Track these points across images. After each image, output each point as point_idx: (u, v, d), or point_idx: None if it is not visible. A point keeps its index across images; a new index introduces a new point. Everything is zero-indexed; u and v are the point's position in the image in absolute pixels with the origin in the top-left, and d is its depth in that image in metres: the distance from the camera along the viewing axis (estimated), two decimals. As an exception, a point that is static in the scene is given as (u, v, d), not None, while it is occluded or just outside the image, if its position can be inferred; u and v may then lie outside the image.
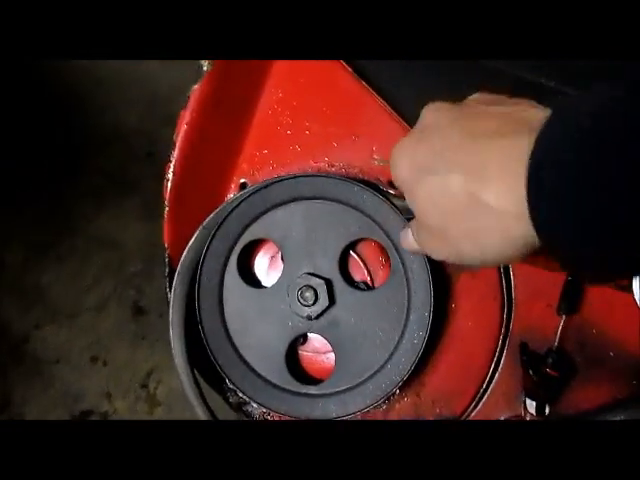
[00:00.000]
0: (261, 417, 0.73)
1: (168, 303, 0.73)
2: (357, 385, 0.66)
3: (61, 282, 2.00)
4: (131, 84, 2.15)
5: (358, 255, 0.70)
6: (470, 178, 0.38)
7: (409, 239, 0.52)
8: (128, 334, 1.83)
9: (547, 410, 0.65)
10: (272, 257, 0.72)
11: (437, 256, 0.47)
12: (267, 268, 0.72)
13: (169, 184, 0.72)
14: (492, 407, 0.68)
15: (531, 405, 0.65)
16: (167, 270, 0.73)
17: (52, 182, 2.14)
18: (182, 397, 1.83)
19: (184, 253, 0.69)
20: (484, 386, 0.68)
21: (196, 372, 0.72)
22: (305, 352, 0.71)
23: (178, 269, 0.69)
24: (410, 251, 0.58)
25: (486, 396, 0.68)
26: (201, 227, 0.69)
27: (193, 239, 0.70)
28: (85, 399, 1.79)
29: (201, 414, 0.71)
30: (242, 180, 0.74)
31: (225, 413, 0.76)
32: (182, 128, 0.71)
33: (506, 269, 0.67)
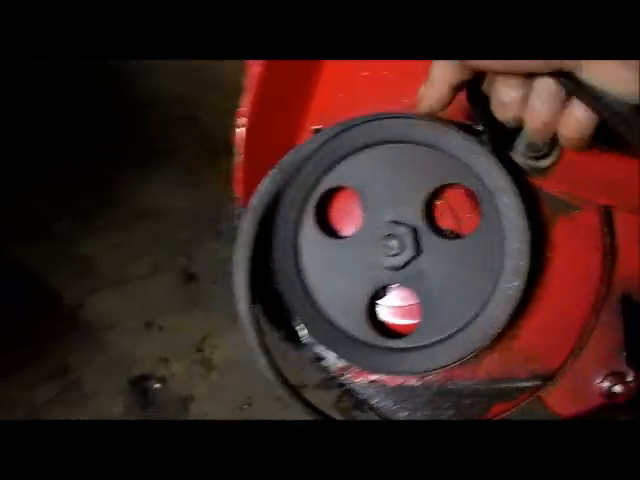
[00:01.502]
0: (339, 372, 0.70)
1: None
2: (446, 338, 0.62)
3: (109, 251, 2.01)
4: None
5: (444, 202, 0.65)
6: None
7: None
8: (180, 300, 1.83)
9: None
10: (351, 206, 0.68)
11: None
12: (346, 218, 0.69)
13: (240, 131, 0.68)
14: (591, 363, 0.63)
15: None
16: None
17: (95, 151, 2.15)
18: (239, 363, 1.82)
19: (255, 195, 0.65)
20: (582, 340, 0.63)
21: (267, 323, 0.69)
22: (387, 305, 0.67)
23: (248, 210, 0.65)
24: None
25: (584, 351, 0.63)
26: (276, 168, 0.65)
27: (266, 181, 0.66)
28: (141, 364, 1.80)
29: (264, 365, 0.67)
30: (315, 127, 0.70)
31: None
32: (252, 71, 0.67)
33: (608, 215, 0.62)
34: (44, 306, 1.96)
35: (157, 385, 1.76)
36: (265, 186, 0.66)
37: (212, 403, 1.72)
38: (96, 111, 2.16)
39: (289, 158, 0.66)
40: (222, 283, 1.83)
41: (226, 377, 1.74)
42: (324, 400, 1.74)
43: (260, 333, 0.66)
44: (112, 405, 1.78)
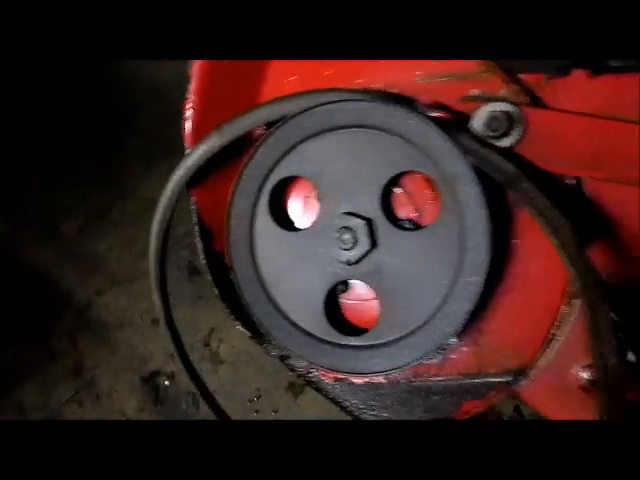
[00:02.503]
0: (305, 370, 0.67)
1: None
2: (405, 336, 0.58)
3: (117, 248, 2.01)
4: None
5: (403, 190, 0.61)
6: None
7: None
8: (186, 295, 1.82)
9: (631, 356, 0.55)
10: (306, 196, 0.65)
11: None
12: (301, 208, 0.65)
13: (188, 123, 0.65)
14: (566, 354, 0.59)
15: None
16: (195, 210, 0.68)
17: (98, 149, 2.15)
18: (245, 354, 1.82)
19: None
20: (556, 330, 0.58)
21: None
22: (346, 300, 0.63)
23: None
24: None
25: (558, 341, 0.59)
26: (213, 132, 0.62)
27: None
28: (151, 361, 1.80)
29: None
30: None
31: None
32: (196, 68, 0.64)
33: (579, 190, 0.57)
34: (55, 306, 1.97)
35: (167, 382, 1.77)
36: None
37: (221, 397, 1.70)
38: (95, 108, 2.16)
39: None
40: (225, 276, 1.81)
41: (234, 370, 1.73)
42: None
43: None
44: (125, 403, 1.80)
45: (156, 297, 0.70)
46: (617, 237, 0.58)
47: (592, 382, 0.59)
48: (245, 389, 1.70)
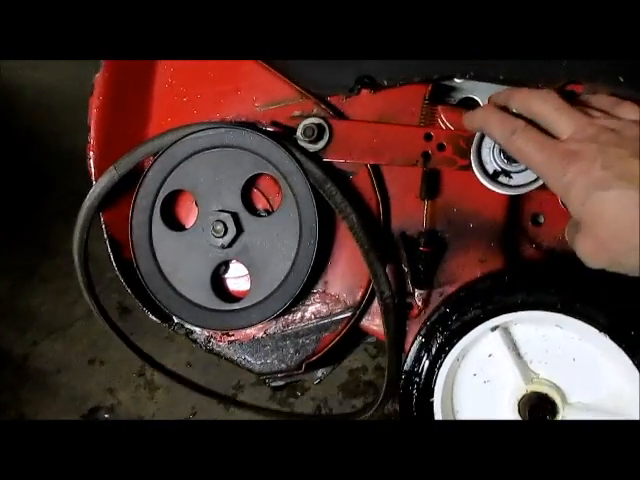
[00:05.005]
0: (206, 341, 0.86)
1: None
2: (270, 295, 0.78)
3: (50, 301, 2.14)
4: (81, 106, 2.25)
5: (258, 188, 0.83)
6: None
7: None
8: (119, 333, 1.97)
9: (427, 282, 0.78)
10: (189, 203, 0.85)
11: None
12: (188, 213, 0.85)
13: (91, 162, 0.85)
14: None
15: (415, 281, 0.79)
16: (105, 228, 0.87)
17: (25, 211, 2.27)
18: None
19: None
20: (376, 275, 0.81)
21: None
22: (229, 277, 0.84)
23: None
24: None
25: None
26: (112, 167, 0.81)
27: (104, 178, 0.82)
28: (91, 398, 1.92)
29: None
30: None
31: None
32: (93, 113, 0.84)
33: (376, 171, 0.80)
34: (-6, 365, 2.06)
35: (106, 415, 1.89)
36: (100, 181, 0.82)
37: (161, 418, 1.85)
38: (20, 175, 2.29)
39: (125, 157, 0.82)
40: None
41: (169, 394, 1.88)
42: (261, 395, 1.90)
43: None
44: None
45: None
46: (402, 201, 0.82)
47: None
48: (181, 409, 1.85)
